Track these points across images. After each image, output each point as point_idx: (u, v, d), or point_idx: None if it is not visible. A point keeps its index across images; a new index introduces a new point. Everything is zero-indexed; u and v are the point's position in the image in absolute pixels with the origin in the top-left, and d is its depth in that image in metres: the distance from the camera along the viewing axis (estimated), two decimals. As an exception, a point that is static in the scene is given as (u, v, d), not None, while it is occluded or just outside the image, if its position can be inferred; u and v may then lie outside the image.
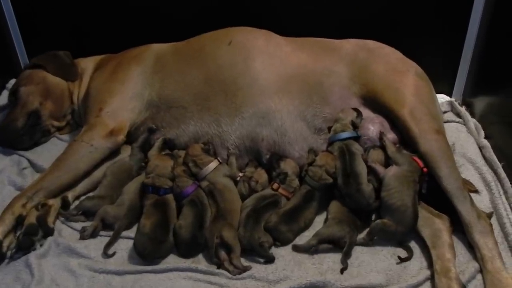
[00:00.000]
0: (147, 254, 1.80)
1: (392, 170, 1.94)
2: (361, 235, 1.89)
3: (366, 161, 1.99)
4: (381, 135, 2.08)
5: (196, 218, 1.87)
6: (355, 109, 2.14)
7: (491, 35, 2.53)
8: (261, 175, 2.08)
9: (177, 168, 2.04)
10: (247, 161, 2.16)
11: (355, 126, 2.10)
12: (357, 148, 2.05)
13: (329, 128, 2.14)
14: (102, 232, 1.95)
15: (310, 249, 1.84)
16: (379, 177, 1.95)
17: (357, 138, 2.09)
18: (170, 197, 1.96)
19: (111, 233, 1.92)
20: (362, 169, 1.98)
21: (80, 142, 2.12)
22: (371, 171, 1.98)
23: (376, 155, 2.03)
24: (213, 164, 2.04)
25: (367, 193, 1.92)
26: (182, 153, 2.15)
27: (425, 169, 1.95)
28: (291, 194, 2.01)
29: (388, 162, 2.00)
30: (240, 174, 2.11)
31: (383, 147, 2.05)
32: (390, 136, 2.11)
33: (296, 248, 1.86)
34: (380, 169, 1.97)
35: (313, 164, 2.02)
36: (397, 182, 1.90)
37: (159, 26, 2.78)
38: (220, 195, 1.95)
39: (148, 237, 1.79)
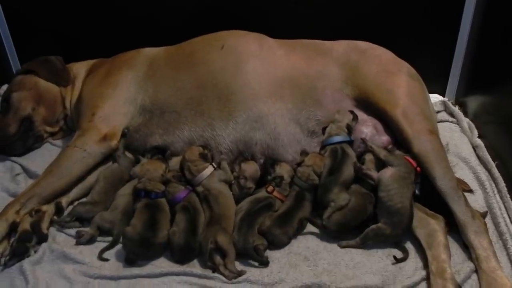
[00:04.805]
0: (135, 252, 1.81)
1: (389, 171, 1.92)
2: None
3: (361, 169, 1.96)
4: (365, 143, 2.06)
5: (189, 223, 1.86)
6: (352, 112, 2.13)
7: (483, 35, 2.54)
8: (247, 167, 2.05)
9: (168, 173, 2.03)
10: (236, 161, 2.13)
11: (349, 130, 2.08)
12: (351, 152, 2.04)
13: (324, 129, 2.13)
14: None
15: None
16: (375, 181, 1.93)
17: (350, 143, 2.08)
18: (163, 200, 1.95)
19: (105, 238, 1.92)
20: (349, 172, 1.97)
21: (73, 148, 2.11)
22: (366, 177, 1.96)
23: (372, 158, 2.02)
24: (208, 170, 2.03)
25: (331, 196, 1.92)
26: (175, 158, 2.13)
27: (418, 169, 1.95)
28: (285, 197, 2.00)
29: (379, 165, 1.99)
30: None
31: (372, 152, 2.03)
32: (384, 138, 2.11)
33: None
34: (374, 173, 1.95)
35: (301, 165, 2.02)
36: (396, 184, 1.88)
37: (151, 30, 2.77)
38: (215, 200, 1.94)
39: (135, 237, 1.79)
